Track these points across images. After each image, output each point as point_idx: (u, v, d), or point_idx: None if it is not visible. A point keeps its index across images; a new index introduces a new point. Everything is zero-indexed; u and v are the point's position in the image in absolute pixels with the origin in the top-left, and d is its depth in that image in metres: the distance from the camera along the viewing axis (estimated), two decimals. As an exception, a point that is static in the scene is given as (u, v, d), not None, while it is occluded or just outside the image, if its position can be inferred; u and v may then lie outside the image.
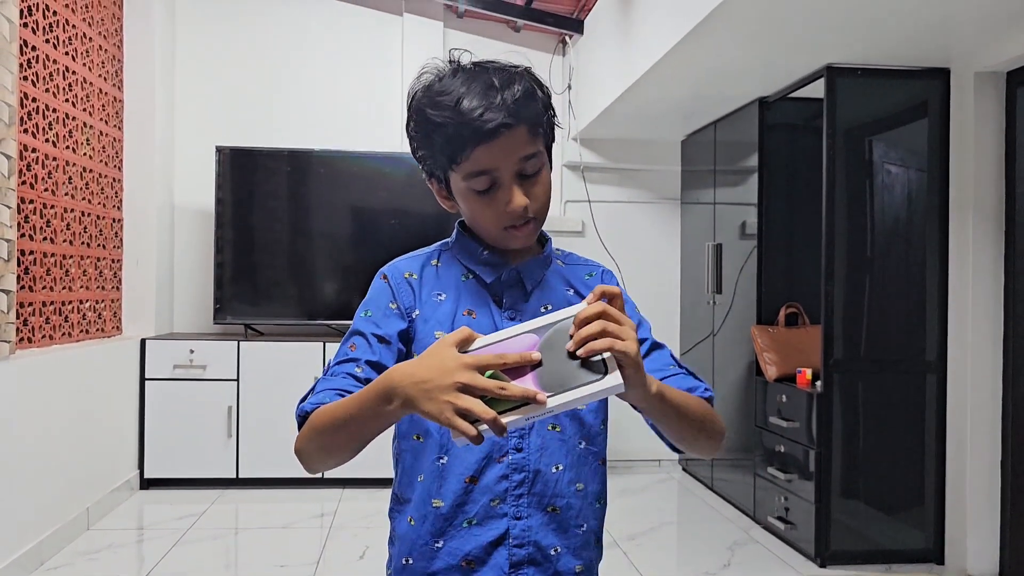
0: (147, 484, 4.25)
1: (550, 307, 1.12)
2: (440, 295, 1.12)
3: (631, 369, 0.89)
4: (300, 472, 4.15)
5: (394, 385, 0.88)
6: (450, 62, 1.08)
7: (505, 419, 0.83)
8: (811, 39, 3.05)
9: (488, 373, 0.85)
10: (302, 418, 1.03)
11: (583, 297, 1.14)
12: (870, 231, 3.35)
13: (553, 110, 1.10)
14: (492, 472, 1.07)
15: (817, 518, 3.27)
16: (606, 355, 0.86)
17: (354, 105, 4.86)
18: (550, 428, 1.09)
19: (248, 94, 4.79)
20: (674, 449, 1.13)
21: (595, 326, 0.87)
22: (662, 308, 5.00)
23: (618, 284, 1.19)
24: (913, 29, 2.92)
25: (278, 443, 4.23)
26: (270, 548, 3.46)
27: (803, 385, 3.42)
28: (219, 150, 4.44)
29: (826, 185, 3.29)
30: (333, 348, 4.31)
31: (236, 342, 4.28)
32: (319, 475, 4.21)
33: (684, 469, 4.91)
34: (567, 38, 4.96)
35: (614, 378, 0.85)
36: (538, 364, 0.86)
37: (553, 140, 1.12)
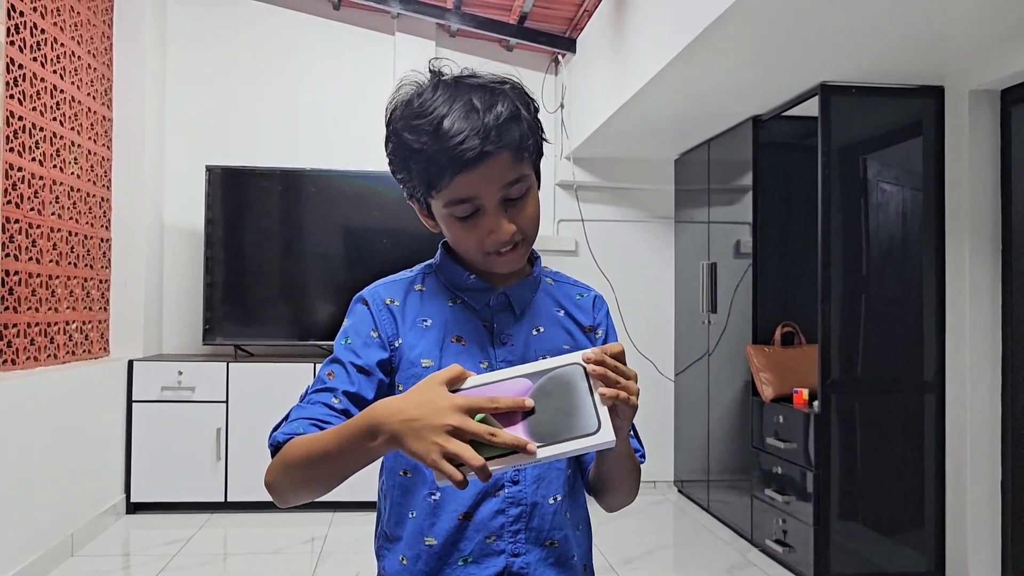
0: (133, 508, 4.17)
1: (542, 329, 1.08)
2: (426, 321, 1.06)
3: (625, 422, 0.89)
4: (290, 495, 4.12)
5: (380, 421, 0.84)
6: (431, 73, 1.02)
7: (492, 466, 0.80)
8: (805, 57, 3.04)
9: (479, 416, 0.82)
10: (274, 448, 0.98)
11: (573, 318, 1.12)
12: (865, 250, 3.33)
13: (539, 127, 1.04)
14: (487, 507, 1.02)
15: (816, 540, 3.22)
16: (601, 408, 0.84)
17: (346, 124, 4.83)
18: None
19: (239, 113, 4.76)
20: (591, 492, 1.13)
21: (607, 371, 0.86)
22: (656, 327, 4.96)
23: (608, 310, 1.16)
24: (907, 47, 2.91)
25: (267, 465, 4.15)
26: (260, 573, 3.39)
27: (800, 405, 3.38)
28: (209, 169, 4.40)
29: (821, 204, 3.27)
30: (324, 369, 4.25)
31: (225, 363, 4.22)
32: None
33: (680, 491, 4.85)
34: (559, 57, 4.96)
35: (607, 433, 0.83)
36: (530, 411, 0.84)
37: (541, 156, 1.06)
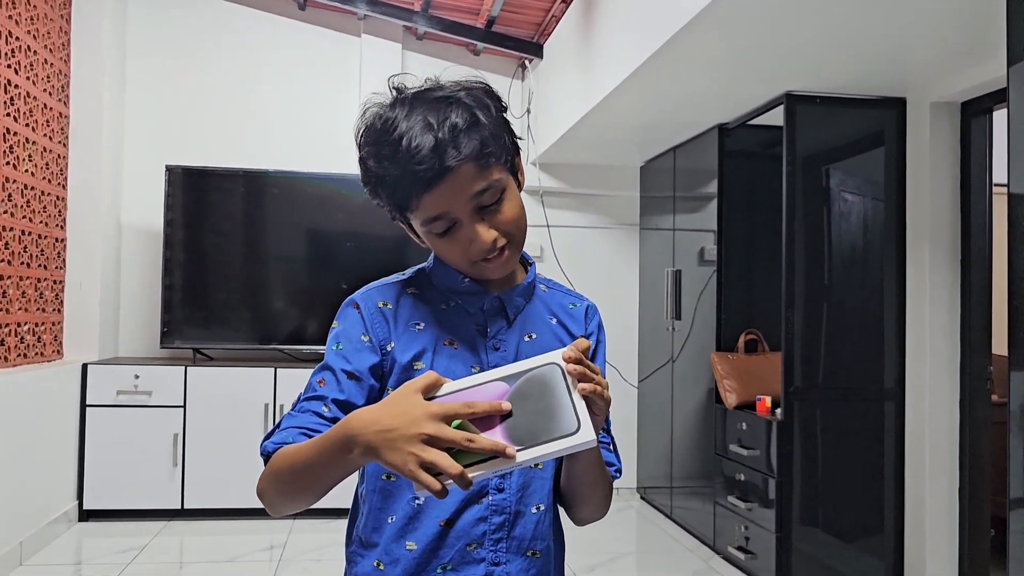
0: (86, 516, 4.06)
1: (534, 336, 1.07)
2: (419, 324, 1.04)
3: (600, 417, 0.88)
4: (248, 503, 4.06)
5: (354, 433, 0.83)
6: (392, 89, 1.00)
7: (471, 473, 0.79)
8: (771, 67, 3.06)
9: (455, 423, 0.81)
10: (266, 458, 0.97)
11: (565, 327, 1.11)
12: (827, 259, 3.36)
13: (506, 127, 1.01)
14: (470, 514, 1.01)
15: (778, 548, 3.23)
16: (580, 407, 0.83)
17: (311, 126, 4.77)
18: (532, 466, 1.03)
19: (201, 112, 4.67)
20: (560, 503, 1.11)
21: (585, 370, 0.85)
22: (621, 334, 4.96)
23: (600, 321, 1.15)
24: (871, 59, 2.94)
25: (226, 472, 4.09)
26: (215, 583, 3.32)
27: (763, 413, 3.40)
28: (169, 169, 4.31)
29: (786, 212, 3.29)
30: (286, 374, 4.19)
31: (184, 367, 4.14)
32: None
33: (642, 498, 4.85)
34: (527, 62, 4.95)
35: (587, 433, 0.82)
36: (508, 414, 0.83)
37: (515, 154, 1.03)
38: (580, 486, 1.06)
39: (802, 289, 3.30)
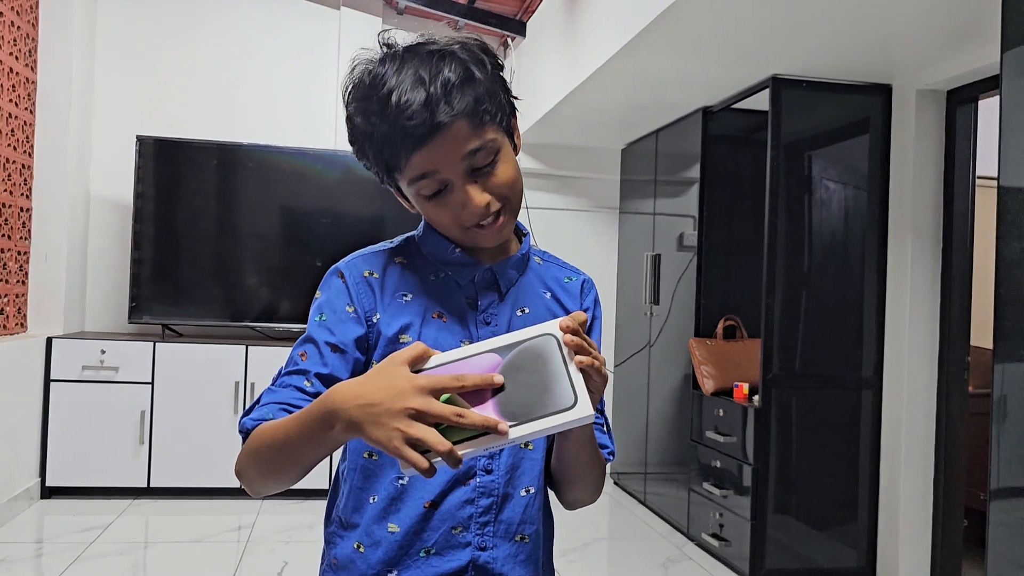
0: (49, 493, 3.96)
1: (527, 311, 1.02)
2: (406, 295, 0.99)
3: (596, 395, 0.82)
4: (216, 481, 3.99)
5: (336, 407, 0.78)
6: (383, 46, 0.94)
7: (461, 450, 0.74)
8: (757, 49, 3.01)
9: (444, 397, 0.76)
10: (244, 435, 0.91)
11: (560, 302, 1.05)
12: (808, 246, 3.33)
13: (502, 85, 0.96)
14: (456, 496, 0.96)
15: (753, 535, 3.22)
16: (577, 380, 0.78)
17: (287, 99, 4.67)
18: (523, 446, 0.99)
19: (175, 82, 4.55)
20: (549, 484, 1.07)
21: (582, 342, 0.80)
22: (598, 318, 4.92)
23: (597, 296, 1.10)
24: (858, 44, 2.91)
25: (194, 450, 4.01)
26: (181, 564, 3.25)
27: (740, 399, 3.38)
28: (140, 140, 4.19)
29: (769, 198, 3.25)
30: (256, 352, 4.10)
31: (152, 343, 4.04)
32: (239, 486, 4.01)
33: (616, 483, 4.83)
34: (509, 40, 4.87)
35: (584, 407, 0.77)
36: (500, 388, 0.77)
37: (511, 115, 0.98)
38: (572, 467, 1.02)
39: (782, 276, 3.27)
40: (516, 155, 0.98)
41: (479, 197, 0.92)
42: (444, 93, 0.87)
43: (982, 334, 3.47)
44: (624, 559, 3.64)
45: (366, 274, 0.99)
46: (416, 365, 0.78)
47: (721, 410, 3.50)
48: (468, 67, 0.91)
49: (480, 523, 0.96)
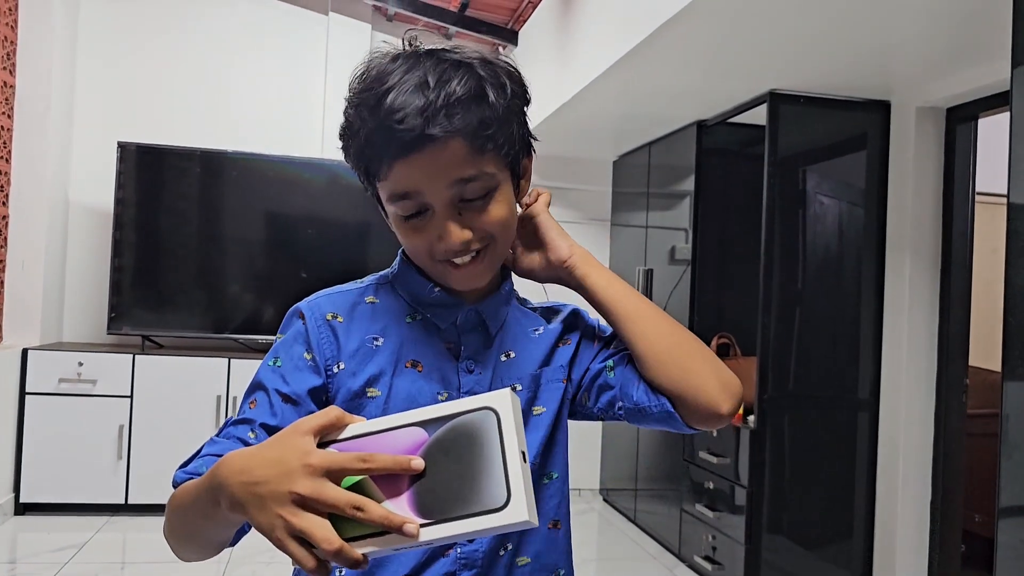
0: (23, 509, 3.84)
1: (512, 355, 0.91)
2: (376, 340, 0.88)
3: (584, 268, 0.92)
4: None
5: (221, 481, 0.65)
6: (406, 45, 0.85)
7: (363, 548, 0.61)
8: (754, 64, 2.96)
9: (351, 480, 0.63)
10: (174, 488, 0.80)
11: (548, 342, 0.96)
12: (803, 264, 3.27)
13: (520, 116, 0.86)
14: (434, 570, 0.85)
15: (747, 559, 3.15)
16: (514, 472, 0.62)
17: (273, 106, 4.57)
18: None
19: (157, 87, 4.44)
20: (659, 397, 0.91)
21: None
22: (588, 332, 4.86)
23: (586, 314, 1.00)
24: (857, 60, 2.86)
25: (173, 466, 3.80)
26: (159, 586, 3.15)
27: (736, 420, 3.31)
28: (122, 146, 4.09)
29: (765, 214, 3.19)
30: (240, 364, 4.01)
31: (132, 355, 3.93)
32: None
33: (604, 500, 4.76)
34: (500, 49, 4.80)
35: (517, 510, 0.61)
36: (421, 474, 0.63)
37: (525, 155, 0.88)
38: (647, 342, 0.95)
39: (778, 294, 3.21)
40: (518, 200, 0.89)
41: (457, 233, 0.82)
42: (445, 105, 0.77)
43: (980, 353, 3.43)
44: (614, 580, 3.57)
45: (329, 317, 0.88)
46: (326, 435, 0.65)
47: (714, 431, 3.43)
48: (483, 85, 0.81)
49: None
